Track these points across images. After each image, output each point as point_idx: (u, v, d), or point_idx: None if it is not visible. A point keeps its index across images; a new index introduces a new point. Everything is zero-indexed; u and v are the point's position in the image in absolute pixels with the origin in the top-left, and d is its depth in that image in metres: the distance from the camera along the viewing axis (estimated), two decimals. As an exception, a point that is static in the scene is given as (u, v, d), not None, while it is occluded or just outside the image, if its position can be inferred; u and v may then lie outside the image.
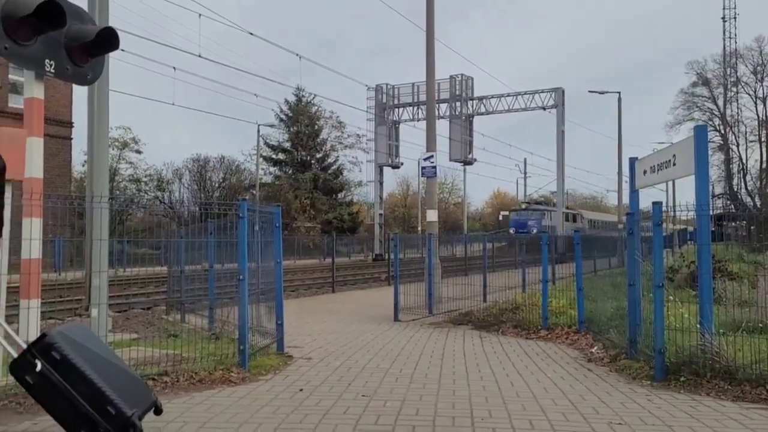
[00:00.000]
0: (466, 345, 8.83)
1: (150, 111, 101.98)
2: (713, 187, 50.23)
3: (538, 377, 6.59)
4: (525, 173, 67.42)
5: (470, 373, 6.76)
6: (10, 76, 27.46)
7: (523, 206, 53.99)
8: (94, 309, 7.35)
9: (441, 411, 5.13)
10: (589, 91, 44.03)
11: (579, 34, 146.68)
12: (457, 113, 46.03)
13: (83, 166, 39.26)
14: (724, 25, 56.61)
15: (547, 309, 10.16)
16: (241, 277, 6.81)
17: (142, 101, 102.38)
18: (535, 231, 44.73)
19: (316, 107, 54.24)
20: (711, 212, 6.92)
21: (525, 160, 66.58)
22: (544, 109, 44.80)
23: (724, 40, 56.25)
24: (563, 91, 44.09)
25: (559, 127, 43.83)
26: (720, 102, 55.51)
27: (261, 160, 51.02)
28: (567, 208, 57.05)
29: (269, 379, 6.37)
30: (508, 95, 46.03)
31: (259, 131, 46.60)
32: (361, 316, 12.49)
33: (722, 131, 55.15)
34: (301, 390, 5.87)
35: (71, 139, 31.43)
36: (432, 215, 14.69)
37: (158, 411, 4.10)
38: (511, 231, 46.22)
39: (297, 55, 32.05)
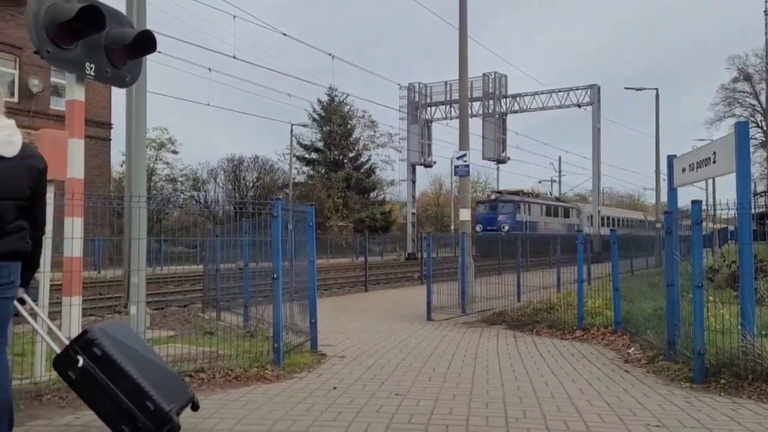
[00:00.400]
0: (500, 345, 8.76)
1: (186, 112, 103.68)
2: (755, 185, 48.80)
3: (574, 378, 6.50)
4: (560, 171, 66.77)
5: (504, 373, 6.71)
6: (51, 79, 28.19)
7: (492, 197, 43.99)
8: (133, 306, 7.51)
9: (474, 411, 5.10)
10: (626, 88, 42.86)
11: (615, 31, 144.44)
12: (490, 111, 45.69)
13: (122, 166, 40.22)
14: (766, 19, 54.95)
15: (583, 309, 10.01)
16: (275, 275, 6.86)
17: (179, 102, 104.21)
18: (507, 228, 37.85)
19: (349, 106, 54.57)
20: (753, 211, 6.75)
21: (560, 158, 65.97)
22: (579, 106, 44.16)
23: (766, 34, 54.53)
24: (599, 88, 43.42)
25: (595, 124, 43.17)
26: (762, 98, 54.02)
27: (294, 159, 51.50)
28: (557, 199, 52.98)
29: (303, 377, 6.42)
30: (542, 93, 45.54)
31: (292, 131, 47.17)
32: (393, 315, 12.49)
33: (764, 127, 53.66)
34: (335, 388, 5.90)
35: (110, 140, 32.13)
36: (465, 214, 14.62)
37: (195, 407, 4.17)
38: (478, 229, 37.61)
39: (329, 54, 32.25)
